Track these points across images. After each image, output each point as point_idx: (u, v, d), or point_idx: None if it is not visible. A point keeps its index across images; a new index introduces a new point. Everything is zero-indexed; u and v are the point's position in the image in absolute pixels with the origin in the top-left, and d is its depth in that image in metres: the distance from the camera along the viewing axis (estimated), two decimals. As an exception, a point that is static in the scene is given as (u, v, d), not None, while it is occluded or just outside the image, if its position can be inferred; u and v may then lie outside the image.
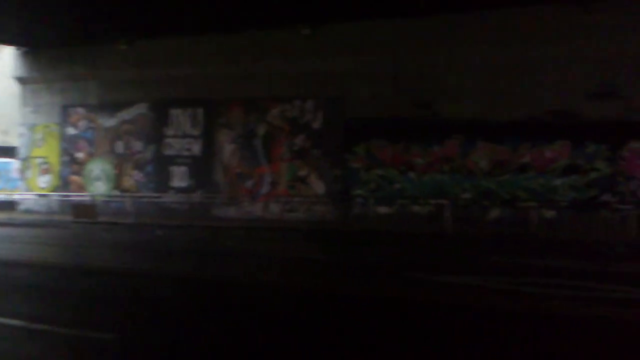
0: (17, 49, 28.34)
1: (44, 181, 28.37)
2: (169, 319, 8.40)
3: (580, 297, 9.55)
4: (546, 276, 11.68)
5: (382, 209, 21.75)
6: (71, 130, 27.89)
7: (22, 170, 28.77)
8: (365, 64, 22.42)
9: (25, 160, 28.73)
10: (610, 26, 19.41)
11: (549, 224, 19.38)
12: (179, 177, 25.55)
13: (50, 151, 28.31)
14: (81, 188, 27.38)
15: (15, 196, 28.08)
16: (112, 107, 26.92)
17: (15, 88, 29.05)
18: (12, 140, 29.49)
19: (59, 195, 27.07)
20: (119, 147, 26.82)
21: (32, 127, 28.68)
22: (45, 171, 28.40)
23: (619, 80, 19.71)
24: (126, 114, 26.67)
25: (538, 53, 20.32)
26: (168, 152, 25.79)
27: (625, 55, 19.51)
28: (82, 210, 24.67)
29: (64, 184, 27.80)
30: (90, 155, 27.44)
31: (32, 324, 7.86)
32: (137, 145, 26.41)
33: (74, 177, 27.68)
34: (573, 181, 20.20)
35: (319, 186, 23.24)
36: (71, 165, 27.82)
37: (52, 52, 27.55)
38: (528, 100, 20.45)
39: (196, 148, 25.35)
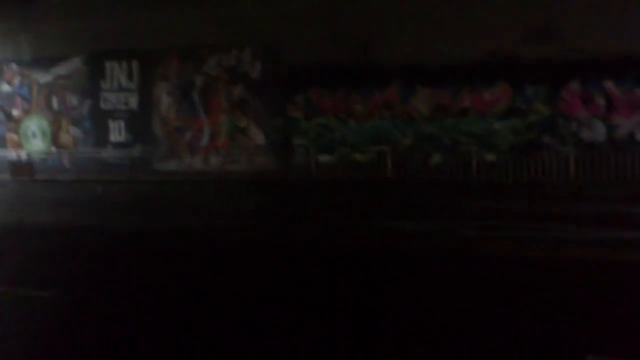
0: (-53, 3, 27.22)
1: (-21, 140, 27.62)
2: (111, 275, 8.36)
3: (520, 238, 9.78)
4: (486, 218, 11.77)
5: (324, 158, 21.57)
6: (5, 87, 27.07)
7: (-43, 130, 27.96)
8: (301, 8, 21.87)
9: (-40, 119, 27.90)
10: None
11: (489, 168, 19.32)
12: (117, 132, 25.01)
13: (-16, 109, 27.50)
14: (18, 145, 26.68)
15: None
16: (47, 62, 26.17)
17: (-56, 45, 28.01)
18: (-55, 99, 28.58)
19: (-5, 153, 26.41)
20: (55, 103, 26.12)
21: (-35, 85, 27.78)
22: (-19, 130, 27.63)
23: (557, 21, 19.48)
24: (61, 69, 25.98)
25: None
26: (105, 106, 25.23)
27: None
28: (19, 168, 24.28)
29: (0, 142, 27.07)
30: (26, 112, 26.73)
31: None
32: (74, 100, 25.82)
33: (10, 135, 26.94)
34: (513, 124, 20.16)
35: (259, 137, 22.99)
36: (7, 122, 27.03)
37: (-18, 5, 26.53)
38: (466, 42, 20.17)
39: (133, 101, 24.85)
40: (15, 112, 26.99)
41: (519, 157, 19.43)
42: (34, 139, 26.61)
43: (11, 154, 26.22)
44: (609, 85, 19.59)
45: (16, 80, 26.93)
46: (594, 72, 19.54)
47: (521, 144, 19.95)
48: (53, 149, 26.11)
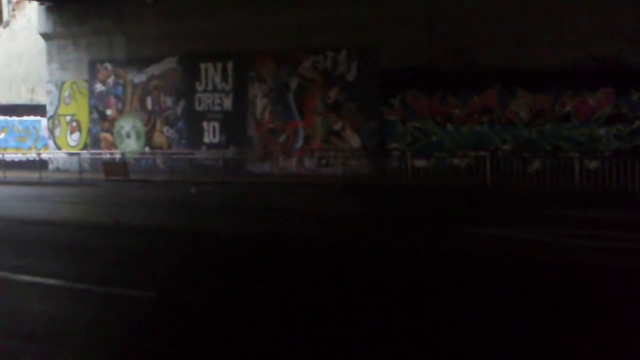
0: (41, 4, 28.68)
1: (73, 139, 29.00)
2: (208, 277, 8.64)
3: (622, 248, 9.74)
4: (589, 228, 11.79)
5: (419, 162, 21.84)
6: (100, 87, 28.31)
7: (51, 129, 29.38)
8: (399, 11, 22.41)
9: (54, 118, 29.34)
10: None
11: (592, 175, 19.25)
12: (211, 133, 25.88)
13: (79, 108, 28.87)
14: (112, 145, 27.94)
15: (45, 155, 28.71)
16: (141, 62, 27.31)
17: (41, 44, 29.44)
18: (40, 98, 30.08)
19: (90, 153, 27.62)
20: (149, 103, 27.15)
21: (59, 84, 29.20)
22: (75, 129, 29.00)
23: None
24: (155, 69, 27.02)
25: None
26: (199, 107, 26.10)
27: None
28: (113, 168, 25.16)
29: (94, 142, 28.42)
30: (120, 112, 27.90)
31: (69, 283, 8.15)
32: (168, 101, 26.84)
33: (104, 135, 28.25)
34: (617, 130, 20.09)
35: (354, 140, 23.49)
36: (101, 122, 28.32)
37: (77, 6, 27.94)
38: (569, 46, 20.34)
39: (227, 103, 25.67)
40: (109, 112, 28.15)
41: (623, 165, 19.32)
42: (128, 139, 27.78)
43: (105, 154, 27.35)
44: None
45: (110, 80, 28.11)
46: None
47: (625, 150, 19.80)
48: (147, 150, 27.16)
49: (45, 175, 26.68)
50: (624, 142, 20.04)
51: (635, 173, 18.72)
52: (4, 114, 30.71)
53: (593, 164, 19.85)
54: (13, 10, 31.22)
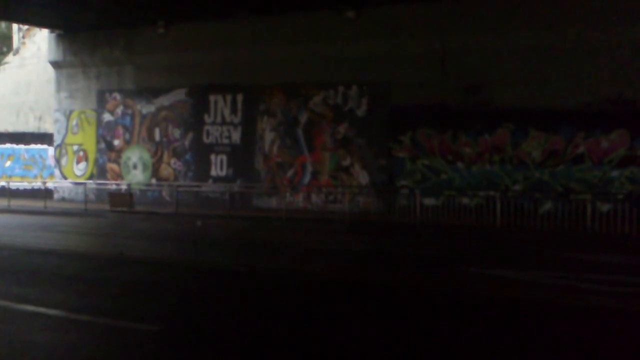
0: (52, 32, 29.26)
1: (79, 169, 29.35)
2: (212, 311, 8.87)
3: (633, 293, 9.83)
4: (600, 272, 11.90)
5: (429, 201, 22.01)
6: (108, 117, 28.75)
7: (58, 158, 29.77)
8: (411, 47, 22.85)
9: (61, 147, 29.78)
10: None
11: (604, 218, 19.31)
12: (219, 166, 26.16)
13: (86, 138, 29.28)
14: (118, 176, 28.32)
15: (51, 184, 29.02)
16: (150, 93, 27.79)
17: (50, 73, 29.92)
18: (48, 127, 30.54)
19: (96, 184, 27.92)
20: (157, 134, 27.51)
21: (67, 113, 29.69)
22: (81, 158, 29.39)
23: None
24: (164, 100, 27.45)
25: (594, 36, 20.43)
26: (207, 139, 26.45)
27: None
28: (119, 199, 25.47)
29: (100, 172, 28.77)
30: (128, 143, 28.28)
31: (72, 314, 8.33)
32: (176, 132, 27.22)
33: (111, 165, 28.59)
34: (631, 173, 20.24)
35: (363, 176, 23.72)
36: (108, 152, 28.69)
37: (88, 35, 28.52)
38: (583, 86, 20.62)
39: (236, 136, 26.01)
40: (117, 143, 28.50)
41: (636, 208, 19.40)
42: (134, 170, 28.09)
43: (111, 184, 27.62)
44: None
45: (119, 110, 28.55)
46: None
47: (639, 194, 19.89)
48: (153, 181, 27.43)
49: (50, 204, 27.03)
50: (637, 185, 20.14)
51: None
52: (12, 142, 31.17)
53: (605, 207, 19.94)
54: (23, 37, 31.87)
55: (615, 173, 20.49)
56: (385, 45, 23.02)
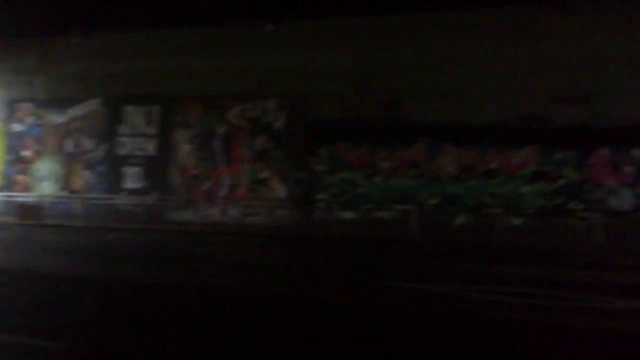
0: (-41, 39, 28.17)
1: (-14, 181, 28.26)
2: (121, 327, 8.58)
3: (543, 306, 10.01)
4: (511, 284, 12.12)
5: (346, 214, 22.22)
6: (17, 127, 27.86)
7: (-36, 169, 28.63)
8: (329, 62, 23.05)
9: (-33, 158, 28.60)
10: (581, 30, 20.24)
11: (515, 231, 19.92)
12: (133, 178, 25.81)
13: (-6, 149, 28.24)
14: (27, 188, 27.36)
15: (-44, 196, 27.95)
16: (62, 103, 27.16)
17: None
18: (-47, 137, 29.35)
19: (4, 196, 27.00)
20: (69, 145, 26.90)
21: (-26, 123, 28.55)
22: (-11, 170, 28.29)
23: (588, 86, 20.45)
24: (77, 111, 26.88)
25: (506, 55, 21.12)
26: (121, 151, 26.00)
27: (596, 60, 20.29)
28: (28, 212, 24.75)
29: (8, 184, 27.82)
30: (38, 154, 27.52)
31: (-26, 332, 7.99)
32: (88, 143, 26.64)
33: (20, 177, 27.69)
34: (541, 188, 20.96)
35: (280, 189, 23.74)
36: (17, 164, 27.81)
37: (-3, 43, 27.52)
38: (496, 103, 21.21)
39: (151, 147, 25.65)
40: (26, 153, 27.67)
41: (546, 222, 20.10)
42: (44, 181, 27.28)
43: (20, 196, 26.79)
44: (639, 152, 20.36)
45: (29, 120, 27.68)
46: (624, 139, 20.33)
47: (548, 208, 20.61)
48: (64, 193, 26.73)
49: (-45, 217, 25.95)
50: (547, 200, 20.82)
51: (558, 231, 19.51)
52: None
53: (516, 221, 20.58)
54: None
55: (526, 188, 21.16)
56: (303, 59, 23.16)
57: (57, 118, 27.24)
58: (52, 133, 27.32)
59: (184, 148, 25.17)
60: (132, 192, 25.79)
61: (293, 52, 23.25)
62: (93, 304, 10.06)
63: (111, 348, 7.52)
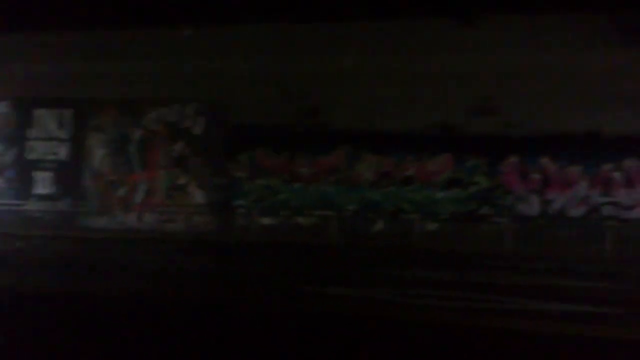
0: None
1: None
2: (27, 341, 8.22)
3: (461, 308, 10.38)
4: (429, 287, 12.49)
5: (266, 220, 22.38)
6: None
7: None
8: (250, 68, 23.00)
9: None
10: (491, 42, 21.11)
11: (431, 236, 20.62)
12: (44, 184, 25.05)
13: None
14: None
15: None
16: (-32, 105, 25.94)
17: None
18: None
19: None
20: (-26, 149, 25.89)
21: None
22: None
23: (499, 97, 21.37)
24: (-16, 113, 25.80)
25: (423, 66, 21.72)
26: (31, 155, 25.21)
27: (505, 72, 21.17)
28: None
29: None
30: (-58, 158, 26.29)
31: None
32: (-4, 147, 25.63)
33: None
34: (454, 194, 21.74)
35: (199, 196, 23.63)
36: None
37: None
38: (413, 112, 21.84)
39: (63, 152, 24.96)
40: None
41: (460, 227, 20.91)
42: (-54, 186, 26.18)
43: None
44: (545, 161, 21.47)
45: None
46: (532, 149, 21.39)
47: (462, 214, 21.44)
48: (-32, 199, 25.76)
49: None
50: (460, 206, 21.65)
51: (471, 235, 20.35)
52: None
53: (431, 226, 21.33)
54: None
55: (441, 194, 21.95)
56: (223, 64, 23.05)
57: (-39, 120, 26.19)
58: (-45, 136, 26.24)
59: (98, 153, 24.65)
60: (43, 197, 25.01)
61: (213, 57, 23.10)
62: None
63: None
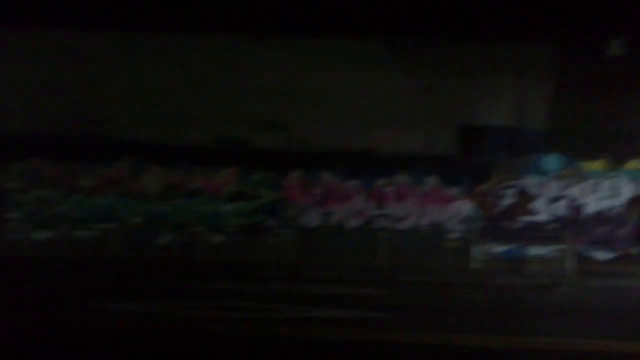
0: None
1: None
2: None
3: (249, 318, 10.23)
4: (216, 299, 12.36)
5: (42, 234, 21.13)
6: None
7: None
8: (24, 73, 21.66)
9: None
10: (281, 61, 21.78)
11: (216, 248, 20.72)
12: None
13: None
14: None
15: None
16: None
17: None
18: None
19: None
20: None
21: None
22: None
23: (284, 113, 22.03)
24: None
25: (211, 80, 21.83)
26: None
27: (292, 89, 21.91)
28: None
29: None
30: None
31: None
32: None
33: None
34: (240, 207, 21.98)
35: (-38, 208, 21.75)
36: None
37: None
38: (200, 125, 21.86)
39: None
40: None
41: (245, 239, 21.20)
42: None
43: None
44: (326, 175, 22.38)
45: None
46: (314, 163, 22.21)
47: (247, 226, 21.74)
48: None
49: None
50: (246, 218, 21.94)
51: (256, 247, 20.79)
52: None
53: (217, 238, 21.44)
54: None
55: (226, 207, 22.09)
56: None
57: None
58: None
59: None
60: None
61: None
62: None
63: None
